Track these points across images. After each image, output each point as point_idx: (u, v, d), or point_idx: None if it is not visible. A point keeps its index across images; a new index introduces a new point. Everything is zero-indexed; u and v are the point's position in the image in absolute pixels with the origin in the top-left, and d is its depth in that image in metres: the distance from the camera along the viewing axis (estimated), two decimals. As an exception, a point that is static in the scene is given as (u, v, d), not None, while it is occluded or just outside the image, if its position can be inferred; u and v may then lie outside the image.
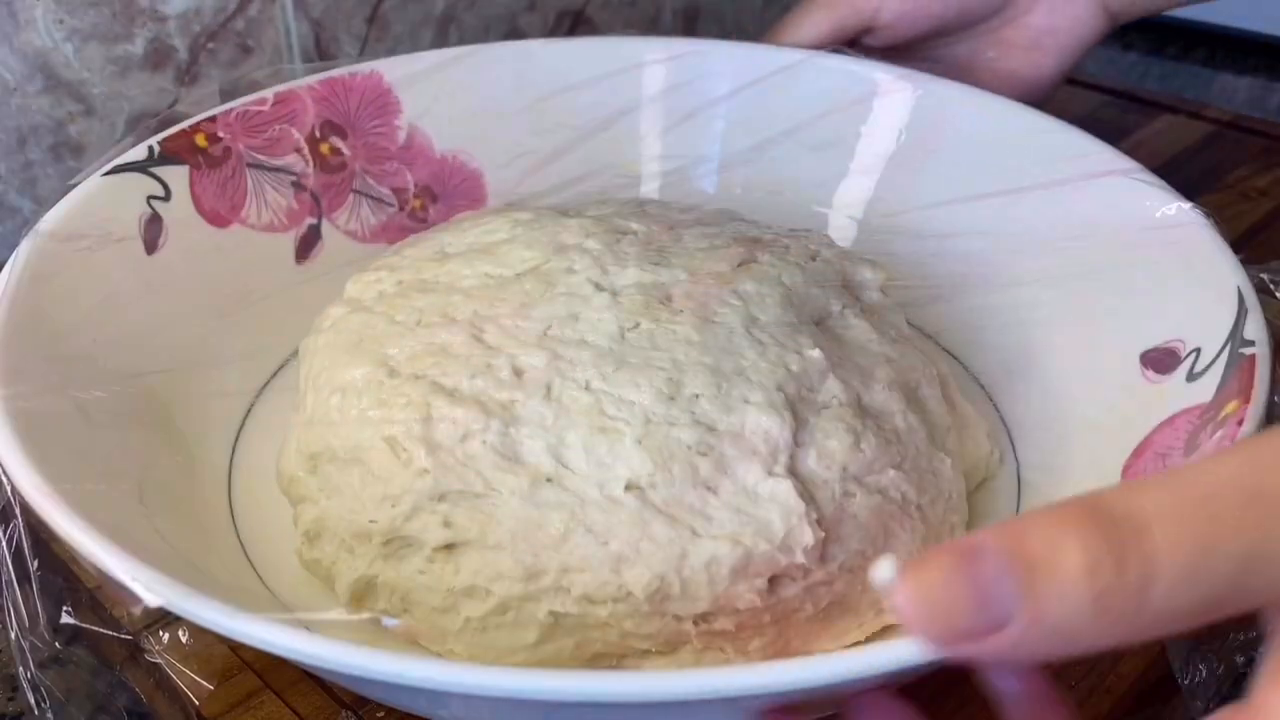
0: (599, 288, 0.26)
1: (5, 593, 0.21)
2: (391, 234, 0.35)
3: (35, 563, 0.22)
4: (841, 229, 0.36)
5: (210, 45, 0.42)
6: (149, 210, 0.30)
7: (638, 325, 0.25)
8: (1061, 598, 0.13)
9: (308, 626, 0.22)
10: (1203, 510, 0.13)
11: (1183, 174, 0.32)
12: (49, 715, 0.22)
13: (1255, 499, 0.13)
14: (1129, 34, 0.63)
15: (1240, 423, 0.22)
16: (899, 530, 0.24)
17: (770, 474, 0.23)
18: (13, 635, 0.21)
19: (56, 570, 0.24)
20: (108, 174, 0.30)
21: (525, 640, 0.22)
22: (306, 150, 0.34)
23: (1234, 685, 0.23)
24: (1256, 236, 0.41)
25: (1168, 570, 0.13)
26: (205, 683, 0.22)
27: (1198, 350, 0.26)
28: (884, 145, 0.36)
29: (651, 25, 0.55)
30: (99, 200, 0.29)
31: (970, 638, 0.14)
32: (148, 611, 0.19)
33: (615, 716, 0.20)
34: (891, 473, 0.24)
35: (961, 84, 0.36)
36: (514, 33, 0.50)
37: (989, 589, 0.13)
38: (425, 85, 0.36)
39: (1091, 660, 0.25)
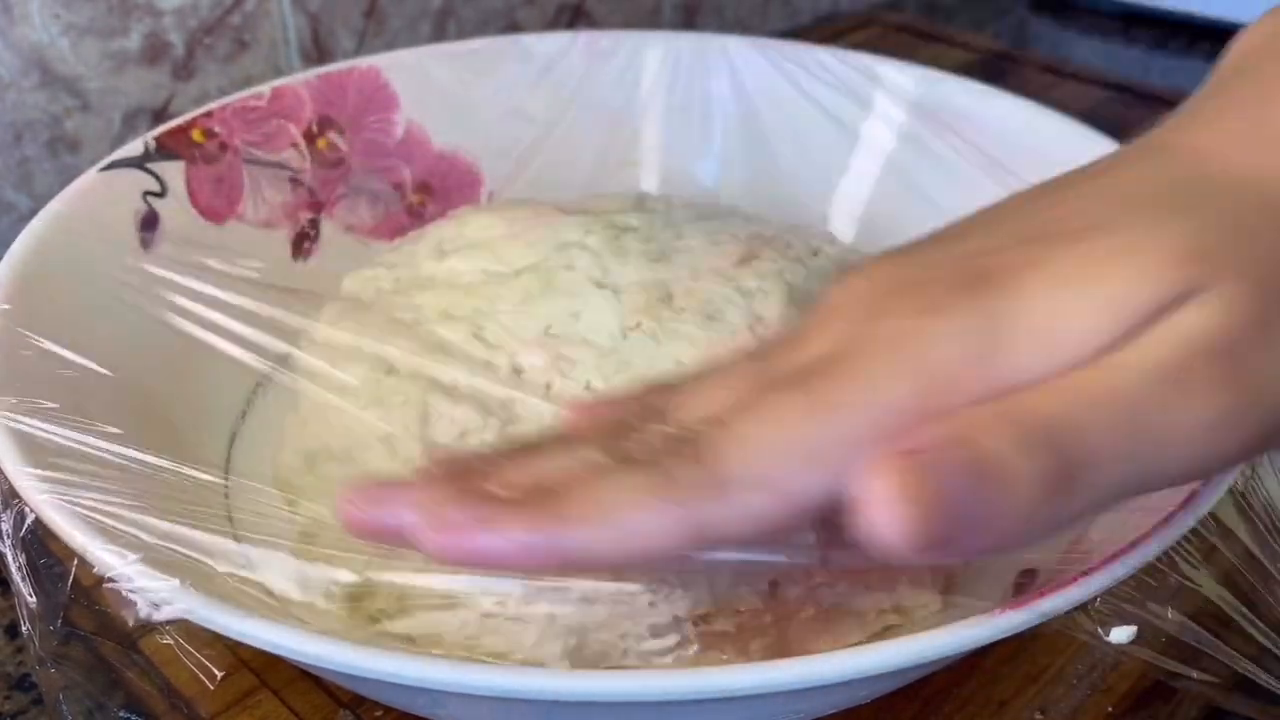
0: (600, 285, 0.26)
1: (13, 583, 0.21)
2: (389, 230, 0.35)
3: (40, 559, 0.22)
4: (843, 225, 0.36)
5: (207, 40, 0.41)
6: (145, 206, 0.30)
7: (639, 324, 0.25)
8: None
9: (305, 625, 0.22)
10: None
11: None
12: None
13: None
14: (1132, 29, 0.62)
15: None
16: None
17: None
18: (24, 628, 0.21)
19: (53, 567, 0.24)
20: (104, 169, 0.30)
21: (524, 640, 0.22)
22: (303, 146, 0.34)
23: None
24: (1259, 232, 0.40)
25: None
26: (204, 681, 0.22)
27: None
28: (886, 141, 0.36)
29: (651, 19, 0.55)
30: (95, 196, 0.29)
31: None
32: (144, 610, 0.19)
33: (615, 716, 0.20)
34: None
35: (964, 79, 0.36)
36: (512, 27, 0.50)
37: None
38: (423, 80, 0.36)
39: (1092, 660, 0.25)
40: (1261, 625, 0.22)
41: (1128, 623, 0.21)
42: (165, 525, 0.22)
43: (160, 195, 0.30)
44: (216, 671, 0.21)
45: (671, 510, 0.15)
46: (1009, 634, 0.18)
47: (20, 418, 0.22)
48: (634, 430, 0.17)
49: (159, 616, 0.18)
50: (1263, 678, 0.21)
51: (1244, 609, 0.22)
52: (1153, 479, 0.16)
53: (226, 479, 0.27)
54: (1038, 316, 0.15)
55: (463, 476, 0.17)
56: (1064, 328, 0.15)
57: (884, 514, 0.14)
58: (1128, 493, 0.15)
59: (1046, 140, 0.33)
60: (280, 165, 0.33)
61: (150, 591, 0.18)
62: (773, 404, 0.16)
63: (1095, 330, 0.15)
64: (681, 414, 0.17)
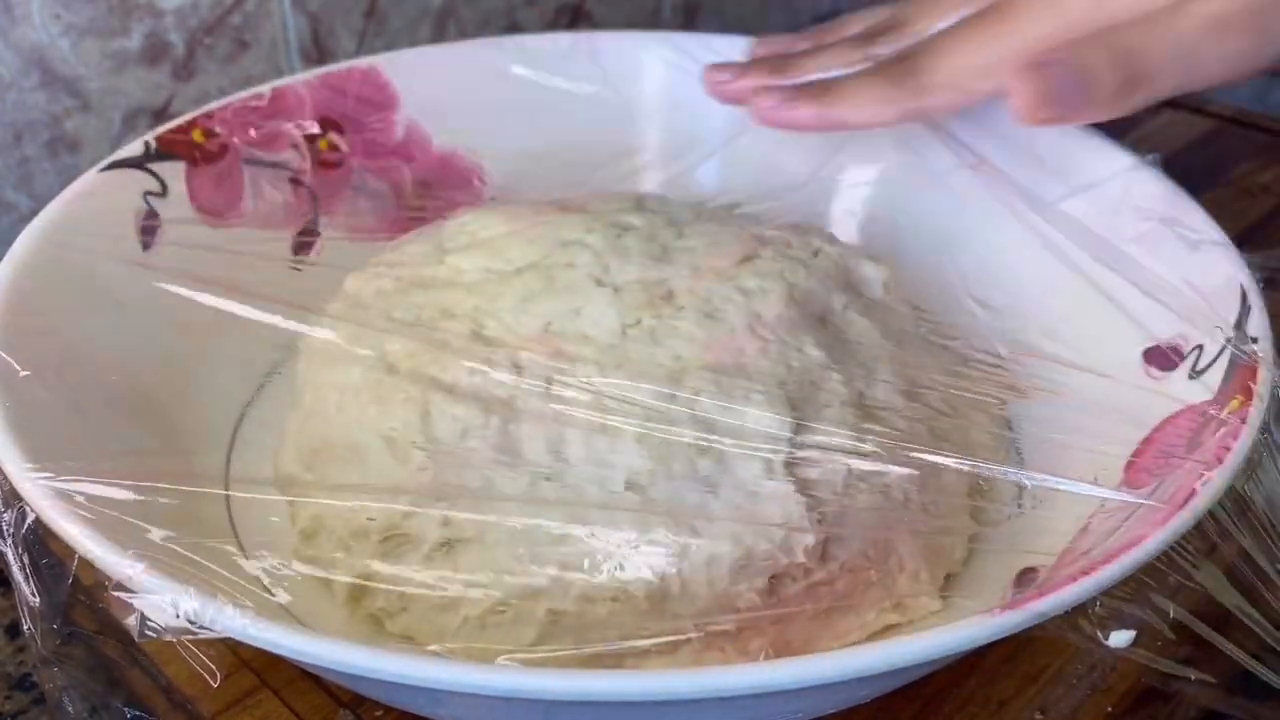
0: (600, 283, 0.26)
1: (14, 581, 0.21)
2: (390, 230, 0.35)
3: (42, 559, 0.22)
4: (843, 225, 0.36)
5: (207, 40, 0.42)
6: (145, 206, 0.30)
7: (639, 321, 0.25)
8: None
9: (306, 625, 0.22)
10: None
11: (1185, 169, 0.31)
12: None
13: None
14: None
15: (1243, 420, 0.22)
16: (900, 529, 0.24)
17: (771, 472, 0.23)
18: (26, 627, 0.21)
19: (53, 567, 0.24)
20: (104, 170, 0.30)
21: (524, 639, 0.22)
22: (304, 146, 0.34)
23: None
24: (1259, 233, 0.40)
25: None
26: (204, 680, 0.22)
27: (1200, 347, 0.26)
28: (886, 141, 0.36)
29: (651, 19, 0.55)
30: (95, 196, 0.29)
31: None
32: (144, 610, 0.19)
33: (615, 716, 0.20)
34: (893, 471, 0.24)
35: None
36: (512, 27, 0.50)
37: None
38: (423, 80, 0.36)
39: (1091, 660, 0.25)
40: (1263, 623, 0.22)
41: (1126, 624, 0.21)
42: (165, 524, 0.22)
43: (161, 195, 0.30)
44: (218, 671, 0.21)
45: (894, 104, 0.28)
46: (1008, 634, 0.18)
47: (21, 419, 0.22)
48: (880, 39, 0.30)
49: (164, 626, 0.18)
50: (1265, 673, 0.21)
51: (1244, 606, 0.22)
52: (1190, 87, 0.26)
53: (227, 479, 0.27)
54: None
55: (778, 66, 0.32)
56: None
57: (1019, 96, 0.24)
58: (1171, 94, 0.26)
59: (1047, 141, 0.33)
60: (280, 165, 0.33)
61: (149, 592, 0.18)
62: (967, 30, 0.27)
63: None
64: (912, 27, 0.30)
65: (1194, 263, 0.28)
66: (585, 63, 0.37)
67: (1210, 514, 0.21)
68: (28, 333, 0.25)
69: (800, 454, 0.23)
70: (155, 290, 0.29)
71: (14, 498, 0.21)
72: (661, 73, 0.38)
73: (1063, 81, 0.24)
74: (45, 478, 0.21)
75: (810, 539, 0.22)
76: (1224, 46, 0.25)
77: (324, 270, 0.32)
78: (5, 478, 0.21)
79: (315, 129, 0.34)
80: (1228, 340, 0.25)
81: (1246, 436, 0.22)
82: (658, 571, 0.22)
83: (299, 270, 0.33)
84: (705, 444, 0.23)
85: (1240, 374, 0.24)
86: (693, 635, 0.22)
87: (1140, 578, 0.20)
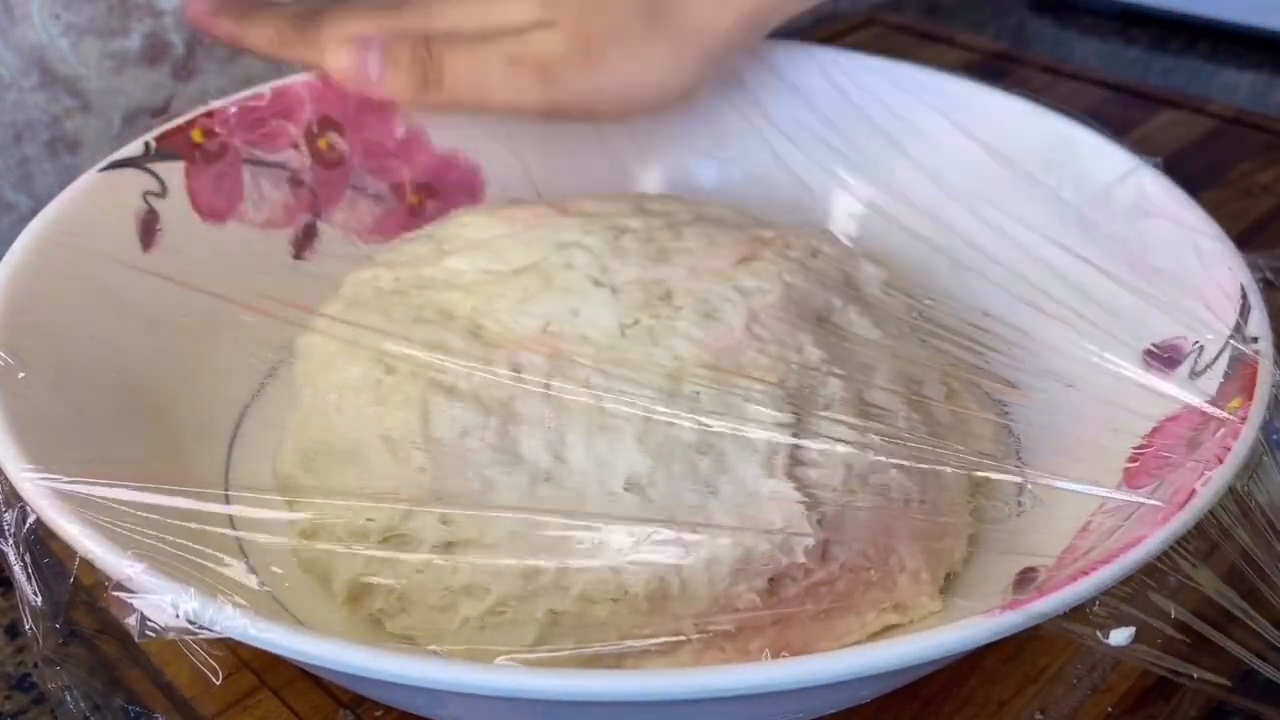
0: (598, 284, 0.26)
1: (16, 581, 0.21)
2: (389, 231, 0.35)
3: (42, 559, 0.22)
4: (843, 225, 0.36)
5: (207, 40, 0.41)
6: (145, 206, 0.30)
7: (638, 322, 0.25)
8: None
9: (305, 625, 0.22)
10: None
11: (1186, 169, 0.31)
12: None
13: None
14: (1132, 29, 0.62)
15: (1243, 420, 0.22)
16: (900, 529, 0.24)
17: (771, 473, 0.23)
18: (27, 627, 0.21)
19: (54, 567, 0.24)
20: (104, 169, 0.30)
21: (524, 639, 0.22)
22: (304, 146, 0.34)
23: None
24: (1260, 232, 0.40)
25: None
26: (204, 681, 0.22)
27: (1200, 347, 0.26)
28: (886, 141, 0.36)
29: (651, 20, 0.55)
30: (95, 196, 0.29)
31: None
32: (144, 610, 0.19)
33: (615, 716, 0.20)
34: (893, 471, 0.24)
35: (962, 78, 0.36)
36: (513, 27, 0.50)
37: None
38: (423, 80, 0.36)
39: (1092, 660, 0.25)
40: (1263, 622, 0.22)
41: (1126, 623, 0.21)
42: (166, 526, 0.22)
43: (160, 195, 0.30)
44: (219, 670, 0.21)
45: (287, 47, 0.33)
46: (1008, 634, 0.18)
47: (21, 419, 0.22)
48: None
49: (164, 626, 0.18)
50: (1268, 670, 0.21)
51: (1245, 606, 0.22)
52: (484, 106, 0.31)
53: (227, 479, 0.27)
54: (475, 12, 0.31)
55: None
56: (481, 22, 0.31)
57: (331, 63, 0.31)
58: (462, 108, 0.31)
59: (1049, 141, 0.33)
60: (280, 165, 0.33)
61: (149, 592, 0.18)
62: (368, 11, 0.32)
63: (498, 29, 0.31)
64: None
65: (1194, 262, 0.28)
66: (585, 63, 0.37)
67: (1210, 514, 0.21)
68: (28, 333, 0.25)
69: (800, 454, 0.23)
70: (155, 290, 0.29)
71: (14, 498, 0.21)
72: (661, 73, 0.38)
73: (368, 61, 0.30)
74: (45, 478, 0.21)
75: (810, 539, 0.22)
76: (514, 80, 0.30)
77: (324, 270, 0.32)
78: (5, 478, 0.21)
79: (315, 129, 0.34)
80: (1228, 340, 0.25)
81: (1246, 436, 0.22)
82: (658, 571, 0.22)
83: (299, 270, 0.33)
84: (705, 444, 0.23)
85: (1240, 374, 0.24)
86: (693, 635, 0.22)
87: (1140, 578, 0.20)
